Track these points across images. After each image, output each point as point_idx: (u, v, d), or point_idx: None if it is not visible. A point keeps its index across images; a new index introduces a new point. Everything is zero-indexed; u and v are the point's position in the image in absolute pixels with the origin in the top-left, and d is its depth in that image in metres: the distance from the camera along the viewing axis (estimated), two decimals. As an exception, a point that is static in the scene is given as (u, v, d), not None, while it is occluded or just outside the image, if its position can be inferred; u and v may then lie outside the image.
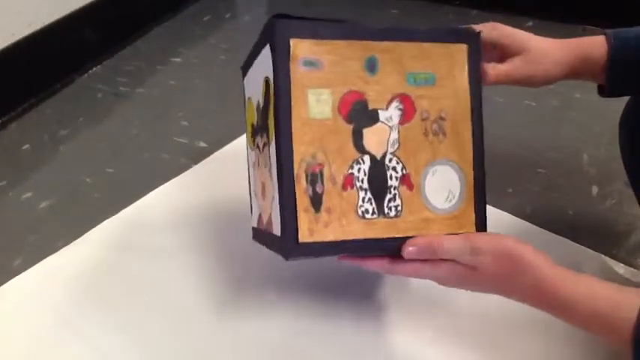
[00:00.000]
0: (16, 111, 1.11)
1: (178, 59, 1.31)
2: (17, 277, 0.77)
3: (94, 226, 0.85)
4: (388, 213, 0.56)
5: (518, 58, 0.63)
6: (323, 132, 0.54)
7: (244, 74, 0.70)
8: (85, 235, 0.83)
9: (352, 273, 0.75)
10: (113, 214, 0.87)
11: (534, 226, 0.83)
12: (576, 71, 0.64)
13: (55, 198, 0.91)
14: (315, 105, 0.54)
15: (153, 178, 0.93)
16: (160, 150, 1.01)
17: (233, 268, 0.78)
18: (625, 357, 0.49)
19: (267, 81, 0.57)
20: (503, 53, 0.64)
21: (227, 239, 0.82)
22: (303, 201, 0.53)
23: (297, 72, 0.53)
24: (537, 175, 0.95)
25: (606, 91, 0.65)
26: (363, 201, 0.55)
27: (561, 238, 0.81)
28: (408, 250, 0.55)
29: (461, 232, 0.57)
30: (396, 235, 0.56)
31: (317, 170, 0.54)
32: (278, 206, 0.55)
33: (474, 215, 0.58)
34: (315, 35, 0.54)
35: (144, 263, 0.78)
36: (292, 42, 0.53)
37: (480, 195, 0.59)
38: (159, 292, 0.75)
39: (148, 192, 0.90)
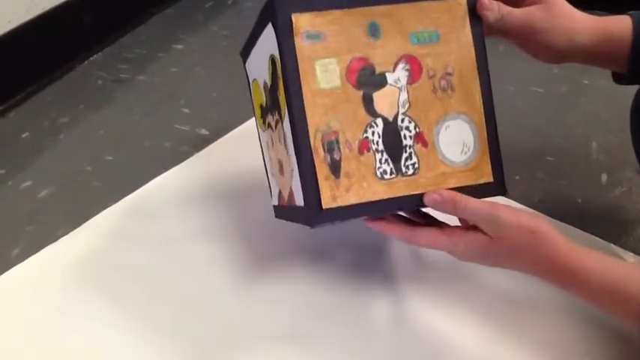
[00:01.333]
0: (16, 99, 1.09)
1: (180, 46, 1.29)
2: (16, 267, 0.76)
3: (93, 215, 0.83)
4: (406, 172, 0.57)
5: (536, 8, 0.58)
6: (334, 101, 0.55)
7: (245, 59, 0.70)
8: (85, 225, 0.82)
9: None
10: (113, 203, 0.85)
11: (543, 215, 0.82)
12: (597, 50, 0.59)
13: (54, 187, 0.90)
14: (324, 76, 0.55)
15: (154, 167, 0.92)
16: (160, 138, 1.00)
17: (237, 257, 0.76)
18: (634, 333, 0.49)
19: (272, 59, 0.57)
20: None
21: (229, 227, 0.81)
22: (322, 169, 0.55)
23: (302, 46, 0.54)
24: (546, 162, 0.93)
25: (626, 76, 0.61)
26: (381, 162, 0.57)
27: (570, 226, 0.80)
28: (432, 197, 0.55)
29: (479, 182, 0.59)
30: (416, 192, 0.57)
31: (333, 138, 0.55)
32: (299, 178, 0.56)
33: (490, 165, 0.60)
34: (314, 7, 0.54)
35: (144, 252, 0.77)
36: (294, 17, 0.54)
37: (494, 144, 0.60)
38: (160, 281, 0.74)
39: (148, 180, 0.89)
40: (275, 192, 0.70)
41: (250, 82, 0.70)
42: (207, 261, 0.76)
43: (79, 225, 0.82)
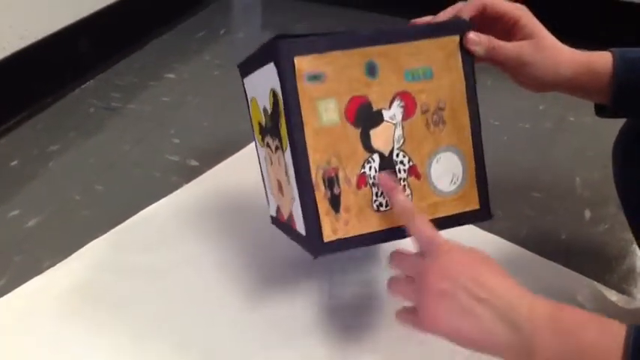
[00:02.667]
0: (6, 125, 1.09)
1: (172, 75, 1.30)
2: (1, 299, 0.75)
3: (81, 245, 0.83)
4: None
5: (526, 42, 0.61)
6: (334, 138, 0.58)
7: (243, 74, 0.71)
8: (72, 256, 0.81)
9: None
10: (101, 234, 0.85)
11: (528, 252, 0.83)
12: (580, 82, 0.61)
13: (42, 216, 0.90)
14: (324, 114, 0.57)
15: (143, 197, 0.92)
16: (150, 167, 1.00)
17: (226, 288, 0.77)
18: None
19: (274, 93, 0.60)
20: (504, 33, 0.62)
21: (218, 260, 0.81)
22: (323, 205, 0.58)
23: (304, 87, 0.56)
24: (531, 198, 0.94)
25: (608, 109, 0.63)
26: (377, 195, 0.60)
27: (554, 263, 0.81)
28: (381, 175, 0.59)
29: (467, 209, 0.62)
30: None
31: (333, 174, 0.58)
32: (300, 210, 0.59)
33: (477, 193, 0.63)
34: (315, 50, 0.57)
35: (132, 284, 0.77)
36: (296, 60, 0.56)
37: (481, 172, 0.63)
38: (148, 314, 0.73)
39: (137, 211, 0.89)
40: (273, 205, 0.72)
41: (249, 98, 0.71)
42: (196, 293, 0.76)
43: (66, 256, 0.82)
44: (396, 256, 0.60)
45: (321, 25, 1.53)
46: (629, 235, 0.78)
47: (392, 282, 0.59)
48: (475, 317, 0.49)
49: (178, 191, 0.94)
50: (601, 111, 0.65)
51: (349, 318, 0.73)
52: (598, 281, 0.79)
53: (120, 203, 0.91)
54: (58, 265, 0.81)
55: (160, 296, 0.76)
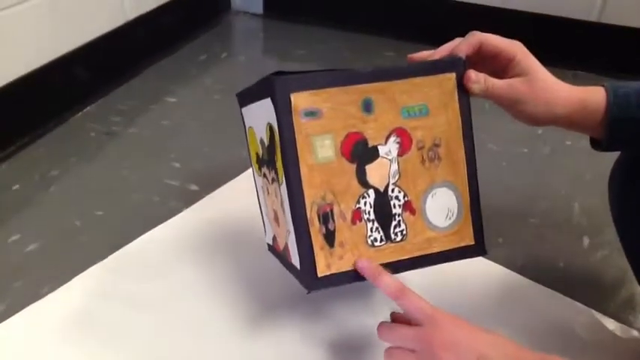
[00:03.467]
0: (7, 151, 1.10)
1: (172, 99, 1.31)
2: (1, 324, 0.75)
3: (81, 270, 0.84)
4: (395, 238, 0.61)
5: (519, 81, 0.61)
6: (329, 174, 0.58)
7: (241, 104, 0.72)
8: (71, 282, 0.82)
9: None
10: (101, 259, 0.86)
11: (525, 279, 0.83)
12: (574, 119, 0.62)
13: (42, 241, 0.90)
14: (320, 150, 0.58)
15: (142, 222, 0.92)
16: (150, 192, 1.01)
17: (225, 315, 0.77)
18: None
19: (271, 127, 0.60)
20: (499, 69, 0.63)
21: (215, 289, 0.81)
22: (318, 240, 0.58)
23: (300, 123, 0.57)
24: (529, 225, 0.94)
25: (602, 145, 0.64)
26: (372, 231, 0.60)
27: (551, 291, 0.81)
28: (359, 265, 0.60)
29: (461, 245, 0.63)
30: (403, 257, 0.61)
31: (328, 210, 0.58)
32: (295, 244, 0.59)
33: (472, 228, 0.63)
34: (312, 87, 0.57)
35: (131, 312, 0.77)
36: (293, 97, 0.57)
37: (476, 208, 0.64)
38: (147, 342, 0.73)
39: (136, 236, 0.90)
40: (270, 233, 0.72)
41: (246, 127, 0.72)
42: (196, 321, 0.76)
43: (66, 281, 0.82)
44: (384, 329, 0.59)
45: (322, 49, 1.55)
46: (627, 263, 0.78)
47: (388, 353, 0.58)
48: None
49: (177, 217, 0.94)
50: (596, 144, 0.66)
51: (345, 349, 0.73)
52: (596, 309, 0.79)
53: (119, 228, 0.92)
54: (57, 291, 0.81)
55: (157, 325, 0.76)
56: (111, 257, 0.86)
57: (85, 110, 1.25)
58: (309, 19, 1.69)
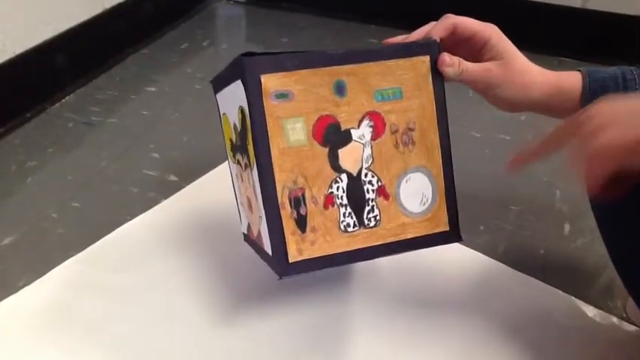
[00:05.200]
0: (-16, 141, 1.08)
1: (153, 88, 1.29)
2: (-27, 319, 0.74)
3: (57, 263, 0.82)
4: (368, 224, 0.60)
5: (494, 64, 0.61)
6: (301, 158, 0.57)
7: (216, 89, 0.71)
8: (47, 275, 0.81)
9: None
10: (77, 252, 0.84)
11: (506, 267, 0.83)
12: (550, 104, 0.62)
13: (18, 234, 0.89)
14: (291, 134, 0.56)
15: (120, 214, 0.91)
16: (128, 183, 1.00)
17: (202, 307, 0.76)
18: None
19: (242, 110, 0.59)
20: (474, 52, 0.62)
21: (193, 279, 0.80)
22: (289, 225, 0.57)
23: (270, 105, 0.56)
24: (510, 212, 0.94)
25: None
26: (344, 216, 0.59)
27: (532, 278, 0.81)
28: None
29: (436, 231, 0.62)
30: (377, 243, 0.60)
31: (299, 194, 0.57)
32: (267, 229, 0.58)
33: (446, 214, 0.63)
34: (282, 68, 0.56)
35: (107, 304, 0.76)
36: (263, 78, 0.55)
37: (451, 193, 0.63)
38: (122, 334, 0.73)
39: (114, 228, 0.89)
40: (245, 222, 0.71)
41: (220, 114, 0.71)
42: (174, 312, 0.76)
43: (41, 274, 0.81)
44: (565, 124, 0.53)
45: (305, 36, 1.53)
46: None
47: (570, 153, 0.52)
48: None
49: (156, 208, 0.93)
50: None
51: (320, 337, 0.72)
52: (576, 296, 0.78)
53: (96, 220, 0.91)
54: (33, 283, 0.79)
55: (135, 317, 0.75)
56: (88, 249, 0.85)
57: (63, 100, 1.23)
58: (293, 6, 1.67)
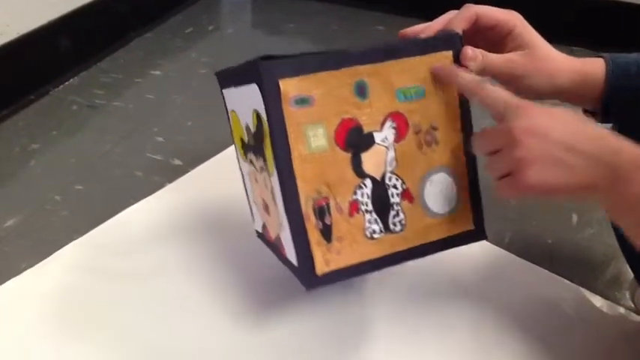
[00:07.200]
0: (-13, 123, 1.08)
1: (157, 72, 1.28)
2: (-24, 301, 0.74)
3: (60, 246, 0.82)
4: (394, 229, 0.58)
5: (519, 55, 0.59)
6: (323, 165, 0.55)
7: (223, 84, 0.68)
8: (50, 258, 0.80)
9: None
10: (81, 235, 0.84)
11: (512, 255, 0.82)
12: (574, 89, 0.61)
13: (21, 216, 0.88)
14: (313, 140, 0.54)
15: (124, 197, 0.90)
16: (132, 167, 0.99)
17: (207, 291, 0.75)
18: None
19: (258, 115, 0.56)
20: (497, 41, 0.60)
21: (198, 265, 0.79)
22: (314, 235, 0.55)
23: (290, 112, 0.53)
24: (517, 201, 0.93)
25: (600, 117, 0.62)
26: (370, 222, 0.57)
27: (539, 268, 0.80)
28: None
29: (461, 230, 0.60)
30: (403, 248, 0.58)
31: (323, 204, 0.55)
32: (291, 239, 0.56)
33: (471, 213, 0.61)
34: (301, 71, 0.53)
35: (111, 288, 0.76)
36: (281, 83, 0.52)
37: (475, 192, 0.61)
38: (129, 318, 0.72)
39: (117, 212, 0.88)
40: (259, 221, 0.69)
41: (229, 109, 0.68)
42: (177, 296, 0.75)
43: (44, 257, 0.80)
44: (474, 139, 0.55)
45: (311, 22, 1.51)
46: (615, 241, 0.77)
47: (486, 166, 0.54)
48: (569, 167, 0.48)
49: (160, 192, 0.92)
50: (592, 117, 0.64)
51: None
52: (583, 286, 0.78)
53: (100, 203, 0.90)
54: (35, 266, 0.79)
55: (137, 300, 0.74)
56: (91, 232, 0.84)
57: (67, 82, 1.22)
58: (299, -9, 1.66)
